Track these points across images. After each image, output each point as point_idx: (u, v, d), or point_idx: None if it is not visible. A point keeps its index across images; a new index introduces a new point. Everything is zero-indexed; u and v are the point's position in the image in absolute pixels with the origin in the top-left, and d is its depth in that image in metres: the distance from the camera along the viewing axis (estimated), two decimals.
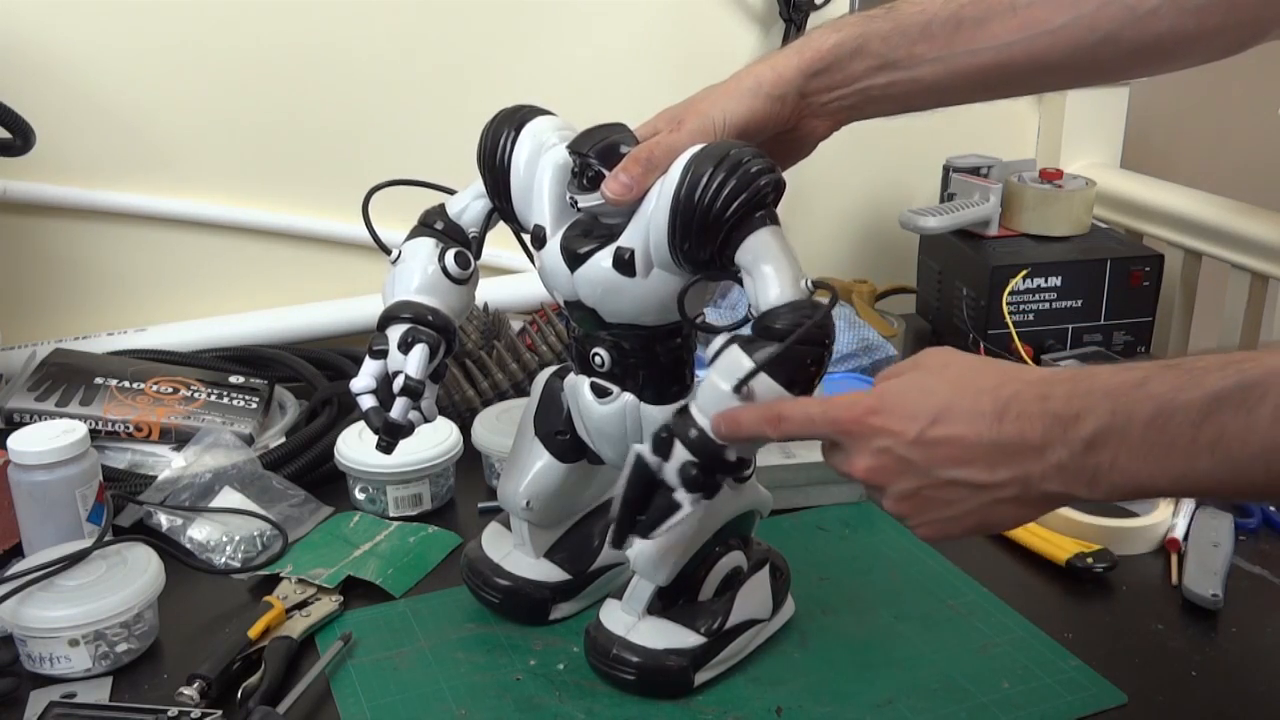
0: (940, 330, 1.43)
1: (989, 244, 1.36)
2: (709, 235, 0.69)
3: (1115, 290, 1.32)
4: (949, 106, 0.80)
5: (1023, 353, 1.26)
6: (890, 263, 1.55)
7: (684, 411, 0.70)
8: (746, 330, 0.70)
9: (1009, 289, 1.28)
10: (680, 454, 0.69)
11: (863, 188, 1.56)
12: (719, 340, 0.69)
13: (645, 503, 0.70)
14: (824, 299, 0.68)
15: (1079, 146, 1.61)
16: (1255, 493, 0.63)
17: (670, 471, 0.69)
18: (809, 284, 0.69)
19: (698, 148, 0.70)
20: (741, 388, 0.67)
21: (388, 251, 0.80)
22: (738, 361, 0.67)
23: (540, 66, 1.35)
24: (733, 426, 0.67)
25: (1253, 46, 0.76)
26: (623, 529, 0.71)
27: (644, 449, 0.70)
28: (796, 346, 0.66)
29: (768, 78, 0.76)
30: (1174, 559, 0.93)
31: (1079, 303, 1.32)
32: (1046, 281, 1.30)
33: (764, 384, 0.67)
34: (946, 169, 1.44)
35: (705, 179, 0.68)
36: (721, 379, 0.68)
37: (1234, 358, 0.55)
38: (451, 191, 0.83)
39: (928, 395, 0.62)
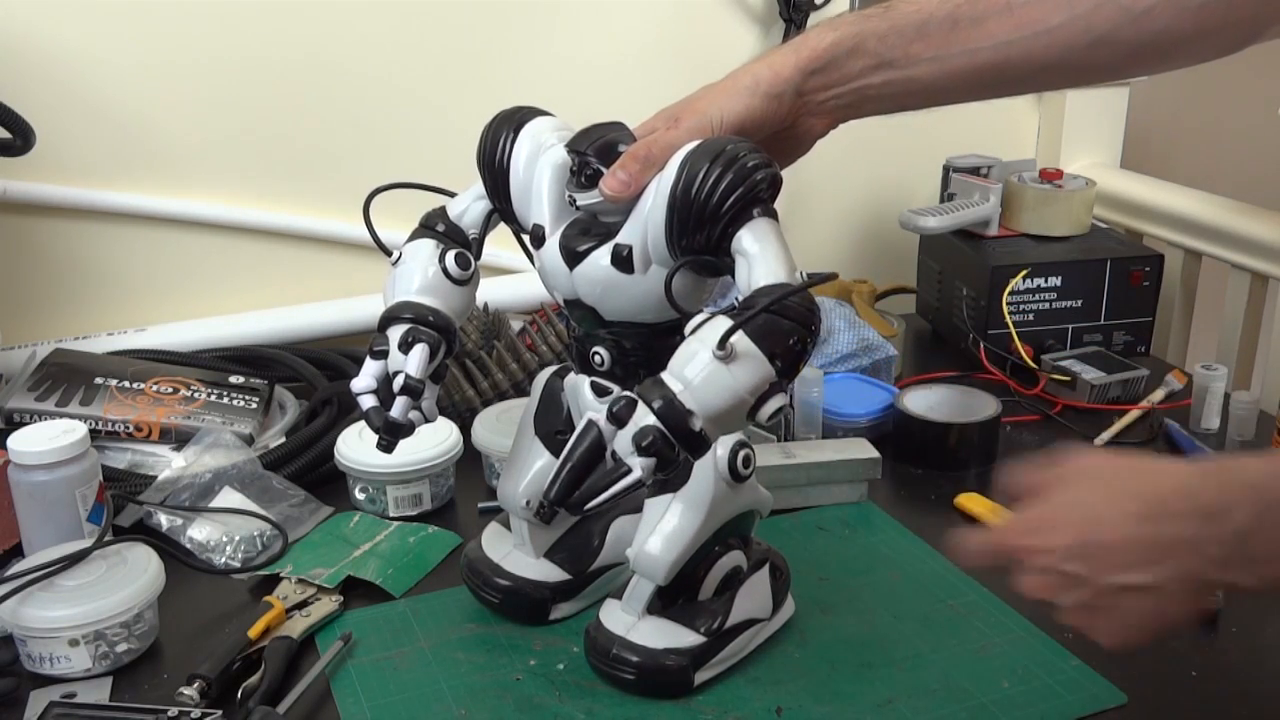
0: (940, 330, 1.43)
1: (989, 244, 1.36)
2: (706, 230, 0.69)
3: (1115, 290, 1.32)
4: (946, 105, 0.80)
5: (1022, 352, 1.26)
6: (890, 263, 1.55)
7: (654, 379, 0.67)
8: None
9: (1009, 289, 1.28)
10: (641, 418, 0.66)
11: (863, 188, 1.56)
12: (701, 315, 0.68)
13: (588, 471, 0.68)
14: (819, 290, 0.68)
15: (1079, 146, 1.61)
16: None
17: (624, 438, 0.66)
18: (804, 276, 0.69)
19: (694, 144, 0.70)
20: (724, 344, 0.64)
21: (388, 253, 0.81)
22: (719, 327, 0.65)
23: (540, 67, 1.35)
24: (964, 554, 0.68)
25: (1249, 45, 0.76)
26: (562, 495, 0.68)
27: (599, 416, 0.68)
28: (780, 319, 0.65)
29: (765, 76, 0.76)
30: None
31: (1079, 303, 1.32)
32: (1046, 281, 1.30)
33: (745, 346, 0.65)
34: (946, 169, 1.44)
35: (702, 174, 0.68)
36: (700, 344, 0.66)
37: None
38: (451, 194, 0.83)
39: (1075, 507, 0.62)
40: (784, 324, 0.66)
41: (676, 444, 0.66)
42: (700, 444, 0.66)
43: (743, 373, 0.65)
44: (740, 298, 0.68)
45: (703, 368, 0.65)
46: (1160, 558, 0.60)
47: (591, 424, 0.68)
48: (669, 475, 0.68)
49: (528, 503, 0.83)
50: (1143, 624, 0.62)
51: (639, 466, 0.65)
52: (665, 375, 0.66)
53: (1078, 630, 0.65)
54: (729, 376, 0.65)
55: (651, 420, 0.65)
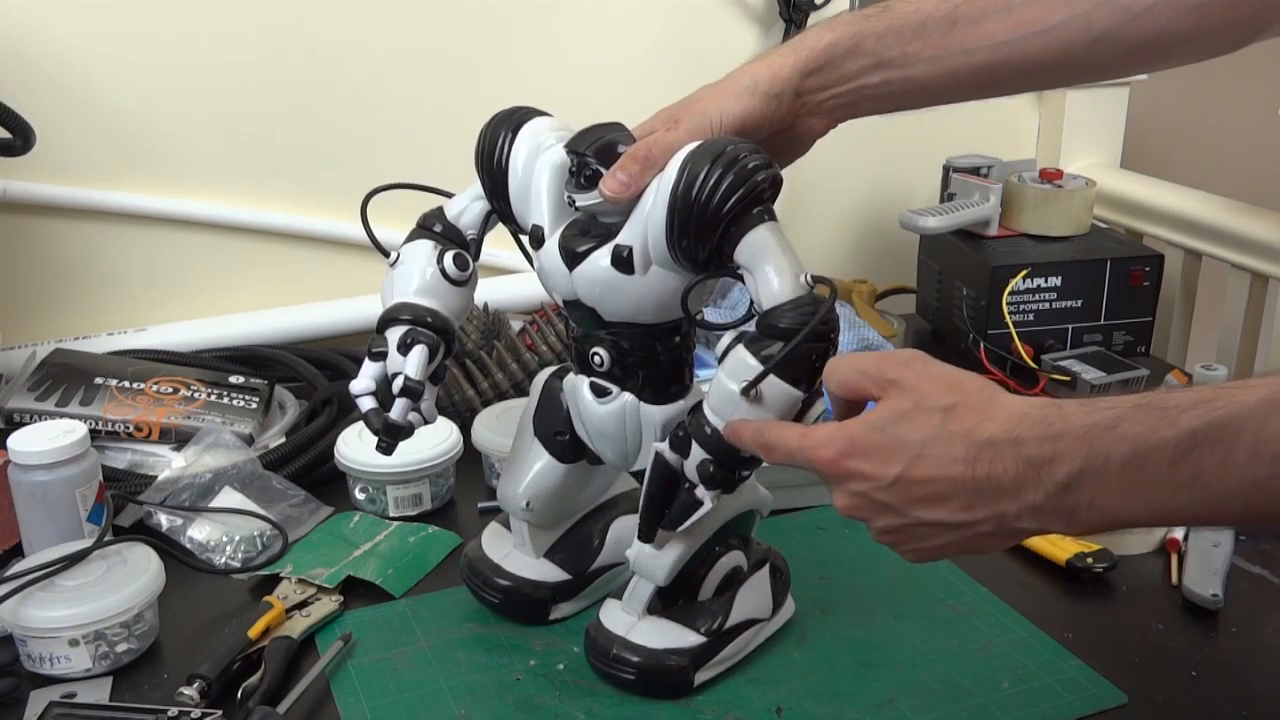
0: (940, 330, 1.43)
1: (989, 244, 1.36)
2: (707, 231, 0.69)
3: (1115, 290, 1.32)
4: (944, 104, 0.80)
5: (1022, 352, 1.26)
6: (890, 263, 1.55)
7: (697, 410, 0.72)
8: (750, 327, 0.70)
9: (1009, 289, 1.28)
10: (698, 452, 0.71)
11: (863, 188, 1.56)
12: (726, 338, 0.71)
13: (669, 499, 0.73)
14: (824, 294, 0.68)
15: (1079, 146, 1.61)
16: (1234, 522, 0.64)
17: (689, 468, 0.72)
18: (808, 278, 0.69)
19: (694, 144, 0.70)
20: (750, 390, 0.68)
21: (386, 254, 0.80)
22: (744, 363, 0.69)
23: (540, 67, 1.35)
24: (733, 440, 0.70)
25: (1249, 44, 0.76)
26: (650, 525, 0.74)
27: (664, 447, 0.72)
28: (803, 344, 0.67)
29: (764, 76, 0.76)
30: (1174, 559, 0.93)
31: (1079, 303, 1.32)
32: (1046, 281, 1.30)
33: (772, 387, 0.68)
34: (946, 169, 1.44)
35: (702, 175, 0.68)
36: (730, 379, 0.69)
37: (1205, 394, 0.55)
38: (449, 195, 0.83)
39: (901, 439, 0.62)
40: (804, 348, 0.68)
41: (735, 470, 0.71)
42: (755, 463, 0.72)
43: (773, 405, 0.69)
44: (756, 309, 0.70)
45: (735, 407, 0.69)
46: (977, 500, 0.60)
47: (660, 456, 0.73)
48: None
49: (527, 503, 0.83)
50: (946, 550, 0.64)
51: (708, 498, 0.72)
52: (706, 409, 0.71)
53: (880, 543, 0.66)
54: (762, 413, 0.69)
55: (705, 455, 0.71)
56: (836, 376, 0.67)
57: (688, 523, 0.72)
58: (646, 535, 0.74)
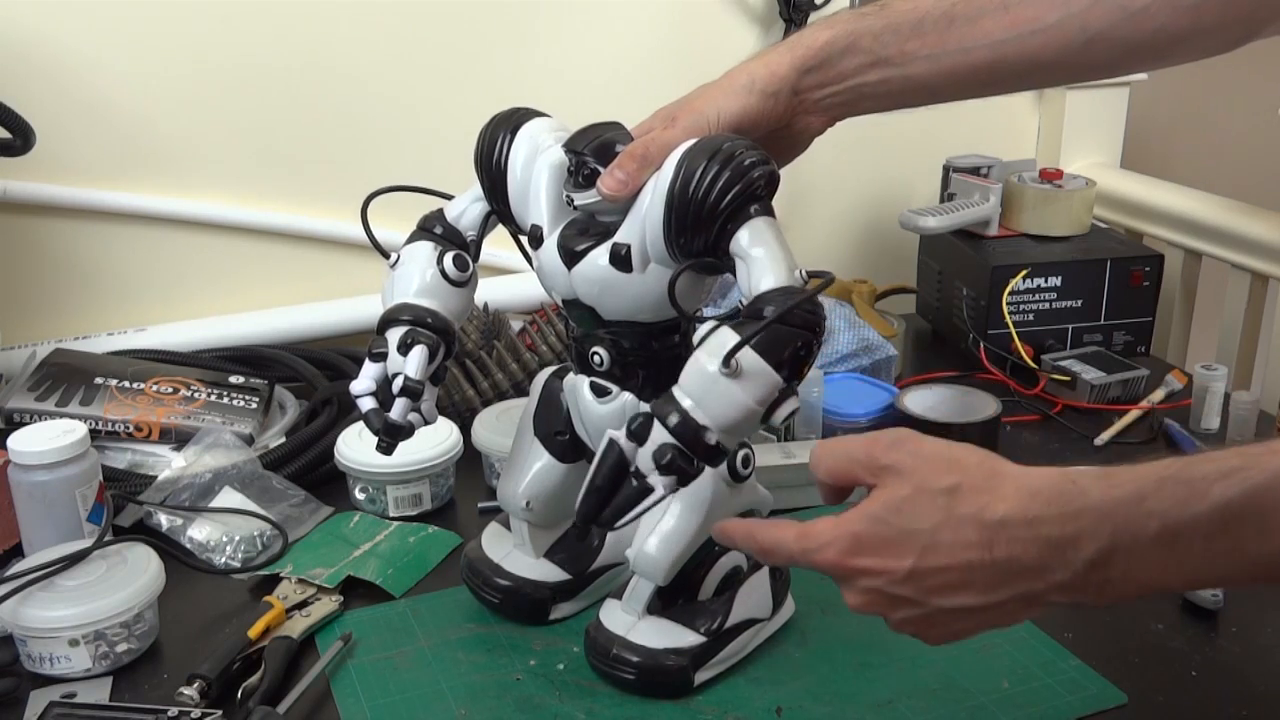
0: (940, 330, 1.43)
1: (989, 244, 1.36)
2: (704, 228, 0.69)
3: (1115, 290, 1.32)
4: (942, 103, 0.80)
5: (1022, 352, 1.26)
6: (890, 263, 1.55)
7: (667, 396, 0.68)
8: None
9: (1009, 289, 1.28)
10: (658, 436, 0.67)
11: (863, 188, 1.56)
12: (707, 325, 0.68)
13: (614, 489, 0.68)
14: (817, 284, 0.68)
15: (1079, 146, 1.61)
16: (1276, 582, 0.62)
17: (644, 456, 0.67)
18: (803, 274, 0.69)
19: (691, 142, 0.70)
20: (729, 361, 0.65)
21: (386, 255, 0.81)
22: (724, 340, 0.66)
23: (539, 67, 1.35)
24: (723, 540, 0.69)
25: (1246, 43, 0.76)
26: (590, 515, 0.69)
27: (619, 434, 0.68)
28: (785, 327, 0.66)
29: (761, 75, 0.76)
30: None
31: (1079, 303, 1.32)
32: (1046, 281, 1.30)
33: (751, 361, 0.66)
34: (946, 169, 1.44)
35: (699, 172, 0.68)
36: (708, 358, 0.66)
37: (1233, 462, 0.54)
38: (449, 197, 0.83)
39: (907, 529, 0.59)
40: (786, 332, 0.66)
41: (695, 458, 0.67)
42: (717, 455, 0.68)
43: (750, 386, 0.66)
44: (743, 301, 0.68)
45: (711, 384, 0.66)
46: (999, 581, 0.58)
47: (613, 443, 0.68)
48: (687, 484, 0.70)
49: (527, 503, 0.83)
50: (974, 632, 0.62)
51: (661, 485, 0.67)
52: (676, 391, 0.67)
53: (907, 634, 0.63)
54: (738, 391, 0.66)
55: (668, 438, 0.66)
56: (825, 463, 0.64)
57: (635, 513, 0.67)
58: (582, 529, 0.70)
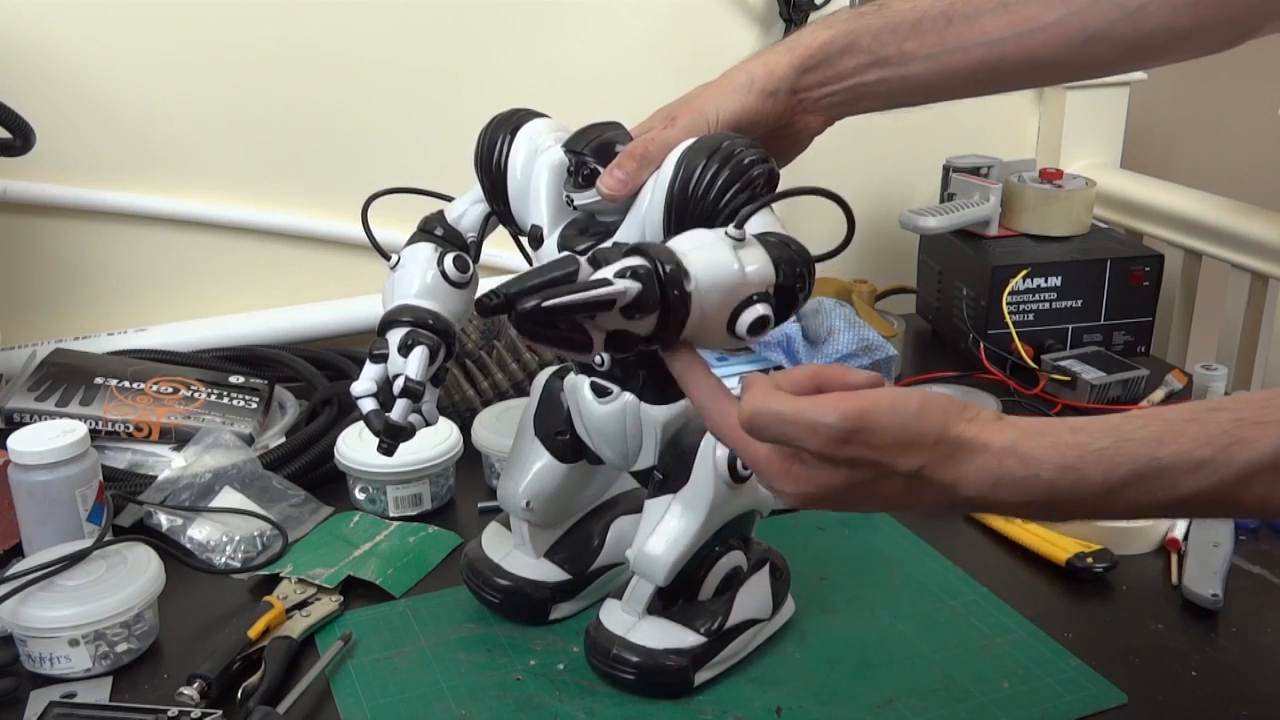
0: (940, 330, 1.43)
1: (989, 244, 1.36)
2: (704, 226, 0.69)
3: (1115, 290, 1.32)
4: (941, 102, 0.80)
5: (1022, 352, 1.26)
6: (890, 263, 1.55)
7: (657, 243, 0.64)
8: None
9: (1009, 289, 1.28)
10: (633, 260, 0.61)
11: (863, 188, 1.56)
12: None
13: (556, 284, 0.60)
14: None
15: (1079, 146, 1.61)
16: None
17: (607, 270, 0.60)
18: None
19: (691, 141, 0.70)
20: (741, 224, 0.63)
21: (387, 257, 0.81)
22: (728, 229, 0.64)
23: (540, 68, 1.35)
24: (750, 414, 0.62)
25: (1245, 41, 0.76)
26: (526, 287, 0.59)
27: (581, 259, 0.62)
28: (788, 247, 0.66)
29: (760, 74, 0.76)
30: (1174, 559, 0.93)
31: (1079, 303, 1.32)
32: (1046, 281, 1.30)
33: (755, 243, 0.65)
34: (946, 169, 1.44)
35: (699, 171, 0.68)
36: (712, 231, 0.64)
37: (1202, 454, 0.55)
38: (449, 198, 0.84)
39: (870, 499, 0.60)
40: (789, 250, 0.67)
41: (660, 294, 0.60)
42: (681, 308, 0.61)
43: (748, 258, 0.64)
44: None
45: (711, 241, 0.64)
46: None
47: (571, 256, 0.61)
48: (629, 340, 0.61)
49: (527, 503, 0.83)
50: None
51: (620, 284, 0.59)
52: (670, 241, 0.64)
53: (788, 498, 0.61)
54: (734, 256, 0.64)
55: (644, 261, 0.60)
56: (766, 433, 0.59)
57: (579, 297, 0.58)
58: (519, 291, 0.59)
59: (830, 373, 0.61)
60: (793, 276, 0.66)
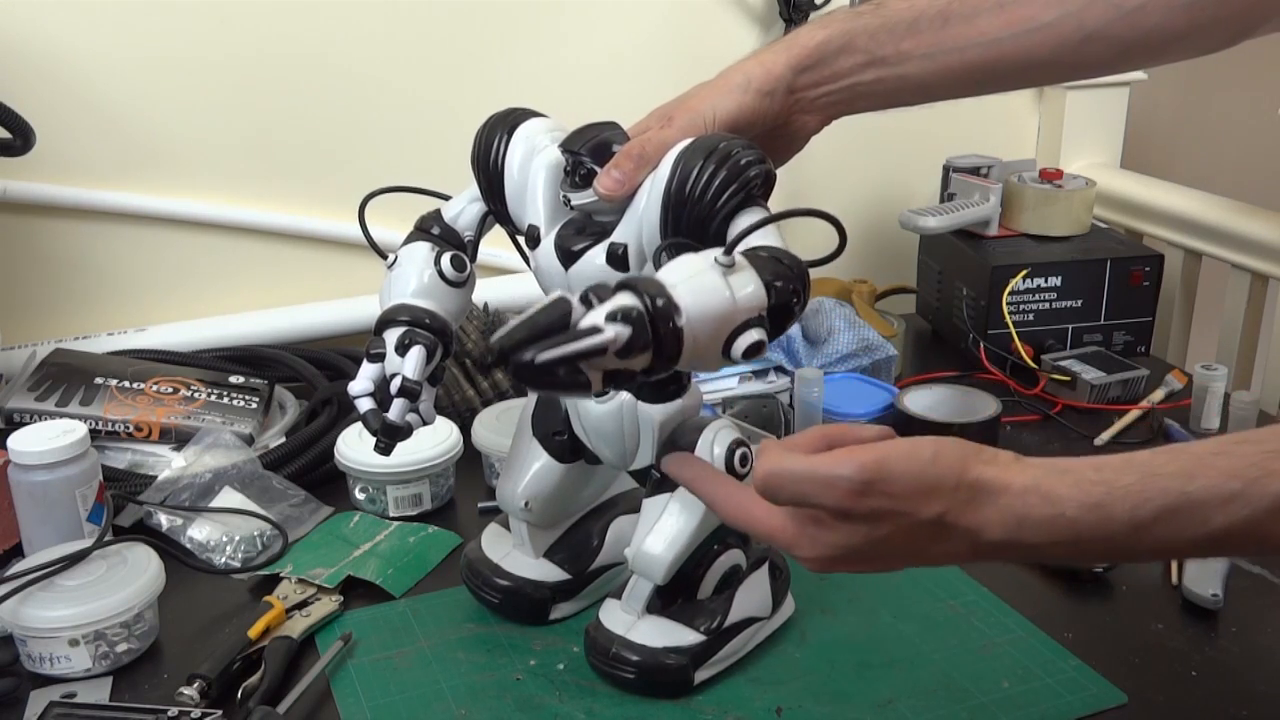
0: (940, 330, 1.43)
1: (989, 244, 1.36)
2: (701, 227, 0.69)
3: (1115, 290, 1.32)
4: (938, 101, 0.80)
5: (1022, 352, 1.26)
6: (890, 263, 1.55)
7: (644, 275, 0.63)
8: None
9: (1009, 289, 1.28)
10: (622, 299, 0.60)
11: (863, 188, 1.56)
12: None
13: (549, 332, 0.58)
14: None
15: (1079, 146, 1.61)
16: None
17: (597, 311, 0.59)
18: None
19: (688, 141, 0.70)
20: (731, 250, 0.62)
21: (384, 256, 0.81)
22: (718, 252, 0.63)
23: (539, 67, 1.35)
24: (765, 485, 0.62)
25: (1241, 41, 0.76)
26: (514, 342, 0.57)
27: (572, 297, 0.60)
28: (779, 263, 0.65)
29: (756, 74, 0.76)
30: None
31: (1079, 303, 1.32)
32: (1046, 281, 1.30)
33: (745, 266, 0.63)
34: (946, 169, 1.44)
35: (696, 171, 0.68)
36: (701, 256, 0.63)
37: (1231, 487, 0.54)
38: (446, 197, 0.84)
39: (890, 553, 0.59)
40: (782, 266, 0.65)
41: (652, 332, 0.60)
42: (675, 343, 0.61)
43: (738, 284, 0.63)
44: None
45: (700, 269, 0.62)
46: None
47: (563, 298, 0.59)
48: (626, 373, 0.60)
49: (526, 503, 0.83)
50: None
51: (611, 330, 0.58)
52: (659, 273, 0.63)
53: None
54: (724, 284, 0.62)
55: (634, 302, 0.59)
56: (783, 495, 0.59)
57: (571, 348, 0.57)
58: (509, 344, 0.57)
59: (839, 430, 0.61)
60: (786, 295, 0.65)
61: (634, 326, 0.58)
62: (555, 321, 0.58)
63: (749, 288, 0.63)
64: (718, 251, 0.63)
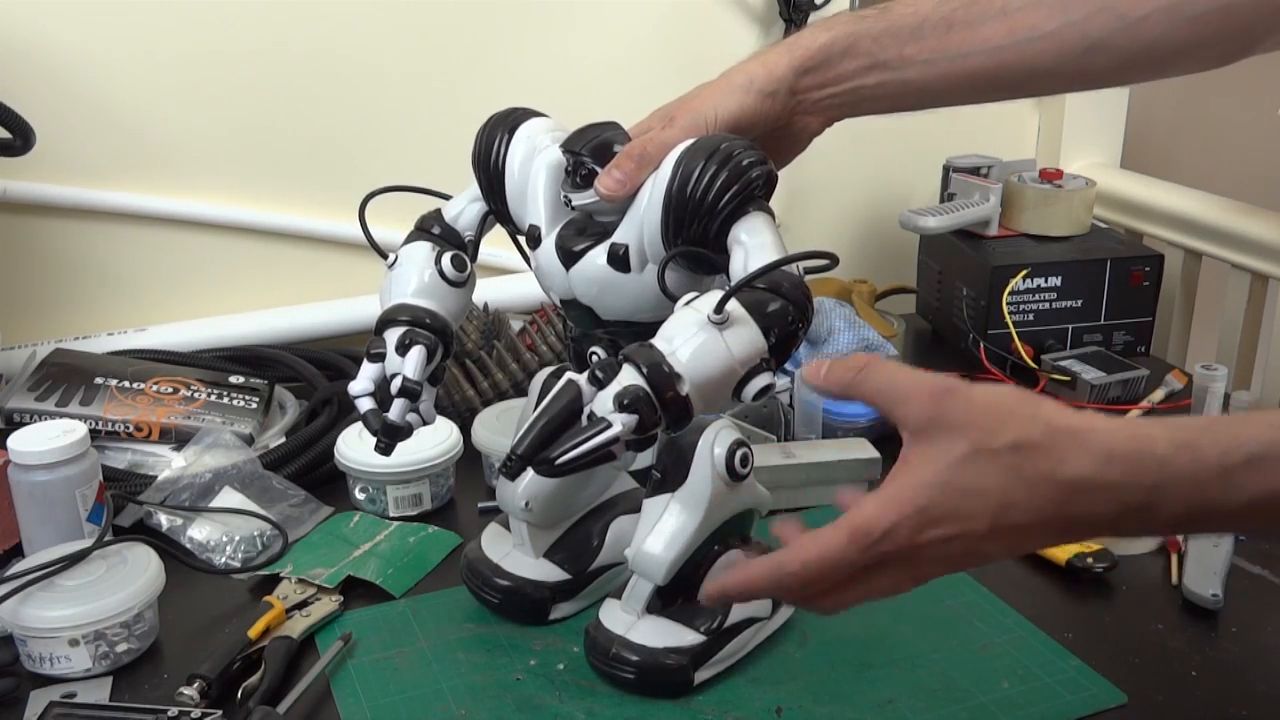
0: (940, 330, 1.43)
1: (989, 244, 1.36)
2: (702, 227, 0.69)
3: (1115, 290, 1.32)
4: (941, 107, 0.80)
5: (1023, 352, 1.26)
6: (890, 263, 1.55)
7: (643, 342, 0.66)
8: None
9: (1009, 289, 1.28)
10: (625, 379, 0.64)
11: (863, 188, 1.56)
12: (691, 294, 0.67)
13: (563, 427, 0.64)
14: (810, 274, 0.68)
15: (1079, 146, 1.61)
16: None
17: (604, 398, 0.64)
18: (800, 270, 0.69)
19: (689, 142, 0.70)
20: (721, 308, 0.63)
21: (384, 256, 0.81)
22: (714, 296, 0.64)
23: (539, 67, 1.35)
24: (742, 591, 0.64)
25: (1244, 57, 0.76)
26: (533, 449, 0.64)
27: (579, 376, 0.65)
28: (775, 296, 0.65)
29: (759, 75, 0.76)
30: (1174, 559, 0.93)
31: (1079, 303, 1.32)
32: (1046, 281, 1.30)
33: (741, 316, 0.64)
34: (946, 169, 1.44)
35: (697, 172, 0.68)
36: (695, 310, 0.64)
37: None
38: (446, 197, 0.84)
39: (976, 492, 0.56)
40: (779, 300, 0.66)
41: (659, 408, 0.63)
42: (683, 412, 0.64)
43: (735, 340, 0.64)
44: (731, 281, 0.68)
45: (695, 332, 0.64)
46: (1068, 531, 0.58)
47: (571, 383, 0.64)
48: (645, 439, 0.64)
49: (526, 503, 0.83)
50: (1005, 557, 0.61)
51: (619, 422, 0.63)
52: (655, 340, 0.65)
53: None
54: (721, 343, 0.64)
55: (637, 381, 0.63)
56: (870, 384, 0.59)
57: (585, 447, 0.63)
58: (528, 453, 0.64)
59: (781, 532, 0.62)
60: (786, 328, 0.66)
61: (640, 411, 0.63)
62: (567, 416, 0.63)
63: (746, 338, 0.65)
64: (710, 308, 0.64)
